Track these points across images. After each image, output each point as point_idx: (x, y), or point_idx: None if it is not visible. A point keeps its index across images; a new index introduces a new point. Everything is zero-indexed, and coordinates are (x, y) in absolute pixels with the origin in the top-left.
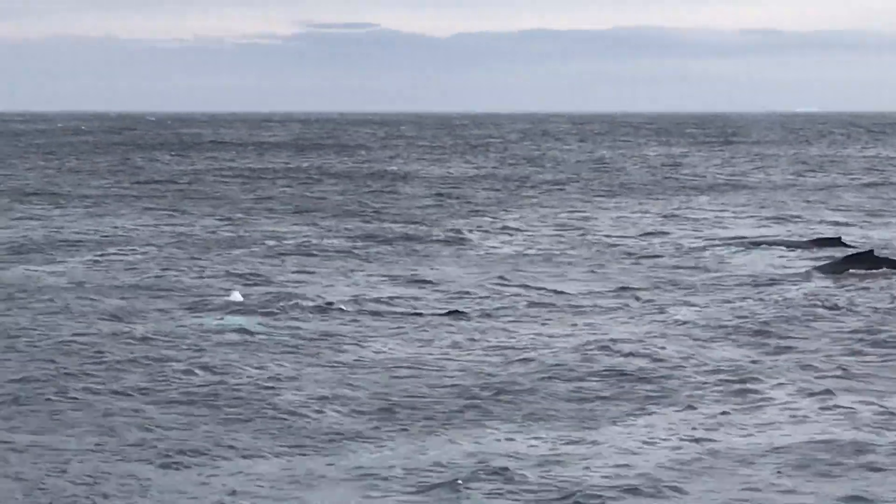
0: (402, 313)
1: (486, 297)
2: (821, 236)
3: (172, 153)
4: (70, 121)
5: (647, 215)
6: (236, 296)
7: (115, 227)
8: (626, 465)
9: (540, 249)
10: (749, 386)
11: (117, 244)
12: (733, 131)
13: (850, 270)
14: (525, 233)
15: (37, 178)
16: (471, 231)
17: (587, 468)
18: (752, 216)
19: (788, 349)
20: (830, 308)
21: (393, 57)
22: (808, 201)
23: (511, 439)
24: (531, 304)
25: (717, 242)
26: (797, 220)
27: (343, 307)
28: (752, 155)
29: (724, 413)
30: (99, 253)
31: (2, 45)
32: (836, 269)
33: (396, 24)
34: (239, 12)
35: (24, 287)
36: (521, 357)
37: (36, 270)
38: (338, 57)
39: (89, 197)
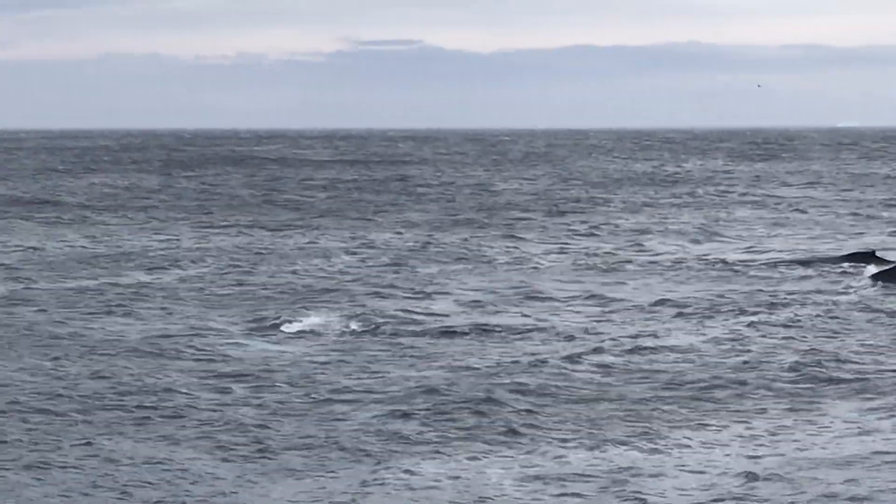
0: (457, 329)
1: (540, 311)
2: (856, 251)
3: (216, 170)
4: (119, 137)
5: (693, 229)
6: (298, 321)
7: (172, 242)
8: (692, 479)
9: (591, 262)
10: (805, 397)
11: (176, 259)
12: (776, 146)
13: (884, 284)
14: (575, 246)
15: (91, 194)
16: (521, 245)
17: (655, 481)
18: (793, 231)
19: (839, 361)
20: (870, 321)
21: (436, 73)
22: (853, 215)
23: (577, 452)
24: (583, 316)
25: (758, 256)
26: (837, 234)
27: (396, 324)
28: (795, 169)
29: (785, 424)
30: (160, 267)
31: (47, 62)
32: (872, 282)
33: (439, 41)
34: (282, 29)
35: (92, 299)
36: (576, 369)
37: (102, 282)
38: (381, 73)
39: (145, 211)
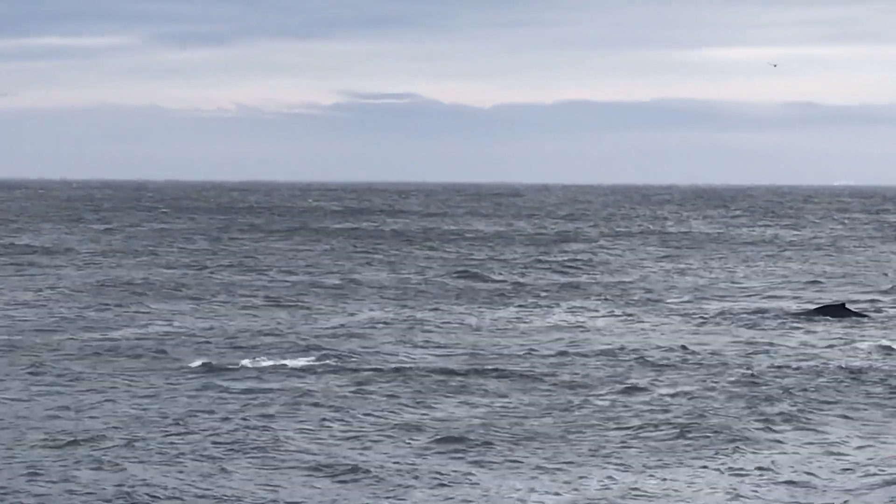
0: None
1: (540, 356)
2: (829, 303)
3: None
4: (116, 188)
5: (697, 284)
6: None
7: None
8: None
9: (608, 314)
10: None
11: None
12: (769, 203)
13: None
14: (593, 298)
15: (96, 242)
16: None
17: None
18: (781, 284)
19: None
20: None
21: (433, 127)
22: (840, 271)
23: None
24: (600, 364)
25: (744, 309)
26: (823, 287)
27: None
28: (789, 228)
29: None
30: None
31: (47, 112)
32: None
33: (437, 95)
34: (280, 83)
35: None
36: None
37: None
38: (378, 126)
39: (146, 255)
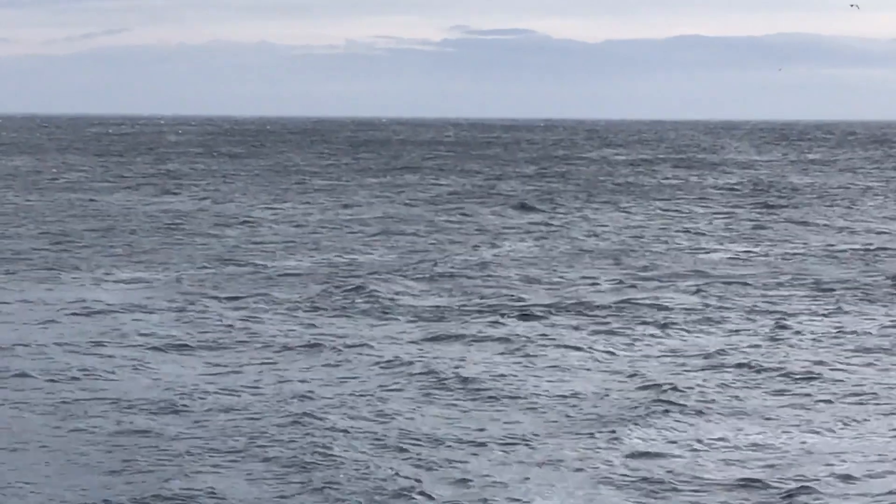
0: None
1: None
2: None
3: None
4: (220, 123)
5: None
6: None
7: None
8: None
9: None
10: None
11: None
12: (883, 139)
13: None
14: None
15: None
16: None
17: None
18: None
19: None
20: None
21: (542, 62)
22: None
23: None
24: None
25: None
26: None
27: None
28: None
29: None
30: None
31: (159, 49)
32: None
33: (548, 30)
34: (391, 19)
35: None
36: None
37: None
38: (488, 62)
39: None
